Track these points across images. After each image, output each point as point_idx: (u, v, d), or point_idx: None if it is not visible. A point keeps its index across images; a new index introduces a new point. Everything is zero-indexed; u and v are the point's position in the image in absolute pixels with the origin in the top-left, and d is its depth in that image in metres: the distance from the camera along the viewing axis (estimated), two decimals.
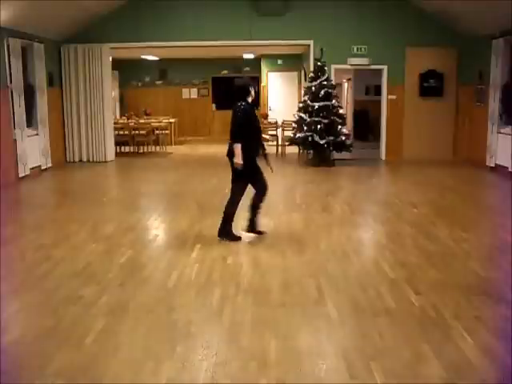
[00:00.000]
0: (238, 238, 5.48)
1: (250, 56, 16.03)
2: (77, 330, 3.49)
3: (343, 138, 10.65)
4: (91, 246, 5.42)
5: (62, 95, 11.62)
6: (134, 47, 11.99)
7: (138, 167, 11.45)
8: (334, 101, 10.69)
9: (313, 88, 10.74)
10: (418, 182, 9.09)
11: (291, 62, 15.73)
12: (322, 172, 10.29)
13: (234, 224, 5.53)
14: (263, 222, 6.37)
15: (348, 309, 3.79)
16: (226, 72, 17.70)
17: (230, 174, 5.56)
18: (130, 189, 9.02)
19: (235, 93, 5.43)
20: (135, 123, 13.58)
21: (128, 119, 14.18)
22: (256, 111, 5.66)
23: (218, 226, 5.49)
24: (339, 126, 10.67)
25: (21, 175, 9.45)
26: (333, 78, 11.25)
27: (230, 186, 5.51)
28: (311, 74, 11.05)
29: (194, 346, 3.26)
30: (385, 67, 11.58)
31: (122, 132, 13.13)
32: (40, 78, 10.33)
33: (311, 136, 10.47)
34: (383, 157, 11.96)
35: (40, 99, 10.35)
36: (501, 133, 9.86)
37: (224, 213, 5.47)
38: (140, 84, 17.60)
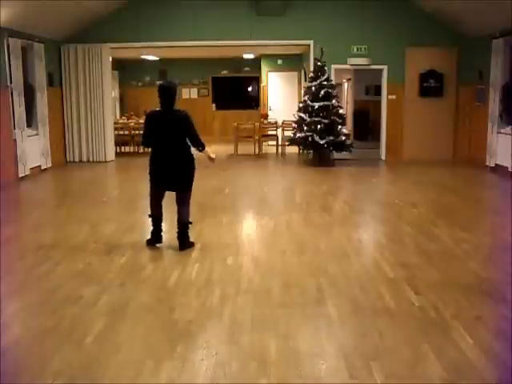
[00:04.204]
0: (193, 244, 5.32)
1: (250, 56, 16.03)
2: (77, 329, 3.49)
3: (343, 137, 10.66)
4: (91, 245, 5.42)
5: (62, 95, 11.63)
6: (134, 47, 12.00)
7: (138, 167, 11.42)
8: (333, 101, 10.70)
9: (313, 88, 10.74)
10: (418, 182, 9.09)
11: (291, 62, 15.74)
12: (321, 172, 10.29)
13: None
14: (264, 222, 6.39)
15: (348, 309, 3.79)
16: (226, 72, 17.71)
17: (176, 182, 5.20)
18: (129, 189, 9.01)
19: (172, 96, 4.99)
20: (135, 123, 13.57)
21: (128, 119, 14.18)
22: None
23: (177, 238, 5.23)
24: (339, 126, 10.67)
25: (21, 175, 9.45)
26: (333, 77, 11.25)
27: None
28: (311, 74, 11.05)
29: (194, 346, 3.26)
30: (385, 67, 11.58)
31: (121, 132, 13.14)
32: (40, 78, 10.33)
33: (311, 136, 10.47)
34: (383, 157, 11.96)
35: (40, 99, 10.35)
36: (501, 133, 9.86)
37: (185, 224, 5.23)
38: (140, 84, 17.60)
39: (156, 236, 5.34)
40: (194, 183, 5.29)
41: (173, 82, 5.25)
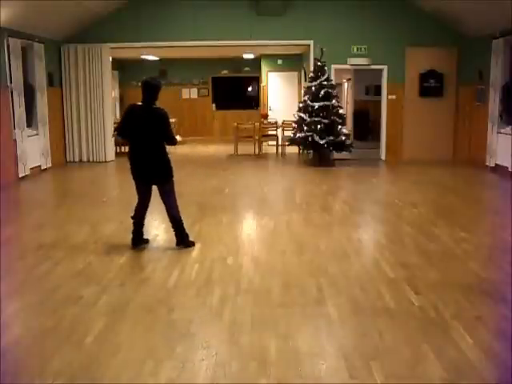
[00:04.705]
0: (193, 244, 5.34)
1: (250, 56, 16.04)
2: (77, 329, 3.49)
3: (343, 137, 10.66)
4: (91, 245, 5.42)
5: (62, 95, 11.63)
6: (134, 47, 11.99)
7: None
8: (333, 101, 10.70)
9: (313, 88, 10.74)
10: (418, 182, 9.09)
11: (291, 62, 15.74)
12: (321, 172, 10.29)
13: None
14: (264, 222, 6.39)
15: (348, 309, 3.79)
16: (226, 72, 17.71)
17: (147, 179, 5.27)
18: (129, 189, 8.94)
19: (154, 93, 5.09)
20: None
21: None
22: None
23: (174, 235, 5.29)
24: (339, 126, 10.67)
25: (21, 175, 9.45)
26: (333, 77, 11.25)
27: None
28: (311, 74, 11.05)
29: (194, 346, 3.26)
30: (385, 67, 11.58)
31: None
32: (40, 78, 10.33)
33: (311, 136, 10.47)
34: (383, 157, 11.96)
35: (40, 99, 10.35)
36: (501, 133, 9.86)
37: (176, 220, 5.24)
38: (140, 84, 17.56)
39: (135, 239, 5.32)
40: (174, 177, 5.26)
41: (157, 79, 5.30)
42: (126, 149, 13.98)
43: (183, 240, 5.27)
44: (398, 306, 3.83)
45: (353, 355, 3.10)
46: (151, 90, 5.05)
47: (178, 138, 5.63)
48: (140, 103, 5.10)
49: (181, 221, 5.26)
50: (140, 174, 5.23)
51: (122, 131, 5.21)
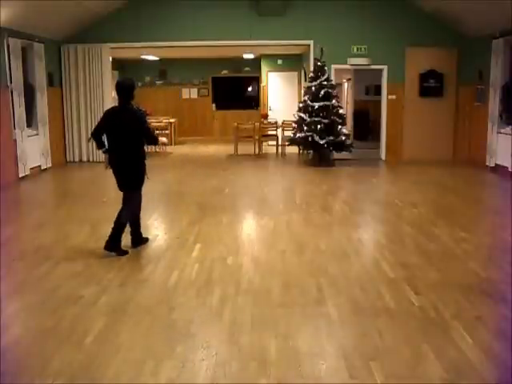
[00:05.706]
0: (124, 253, 5.05)
1: (250, 56, 16.03)
2: (77, 329, 3.49)
3: (343, 137, 10.66)
4: (91, 245, 5.42)
5: (62, 95, 11.63)
6: (134, 47, 12.00)
7: None
8: (333, 101, 10.70)
9: (313, 88, 10.75)
10: (417, 182, 9.09)
11: (291, 62, 15.74)
12: (321, 172, 10.29)
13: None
14: (264, 222, 6.39)
15: (348, 309, 3.79)
16: (226, 72, 17.71)
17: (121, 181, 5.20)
18: None
19: (126, 93, 5.01)
20: None
21: None
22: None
23: (109, 235, 5.05)
24: (339, 126, 10.67)
25: (21, 175, 9.45)
26: (333, 77, 11.25)
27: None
28: (311, 74, 11.05)
29: (194, 346, 3.26)
30: (385, 67, 11.58)
31: None
32: (40, 78, 10.33)
33: (311, 136, 10.47)
34: (383, 157, 11.96)
35: (40, 99, 10.35)
36: (501, 133, 9.86)
37: (120, 223, 5.04)
38: (140, 84, 17.58)
39: (134, 239, 5.29)
40: (144, 185, 5.23)
41: (130, 79, 5.27)
42: None
43: (113, 243, 5.00)
44: (398, 305, 3.83)
45: (353, 355, 3.11)
46: (124, 91, 4.98)
47: (163, 139, 5.58)
48: (117, 105, 5.08)
49: (124, 227, 5.08)
50: (116, 179, 5.18)
51: (96, 133, 5.12)
